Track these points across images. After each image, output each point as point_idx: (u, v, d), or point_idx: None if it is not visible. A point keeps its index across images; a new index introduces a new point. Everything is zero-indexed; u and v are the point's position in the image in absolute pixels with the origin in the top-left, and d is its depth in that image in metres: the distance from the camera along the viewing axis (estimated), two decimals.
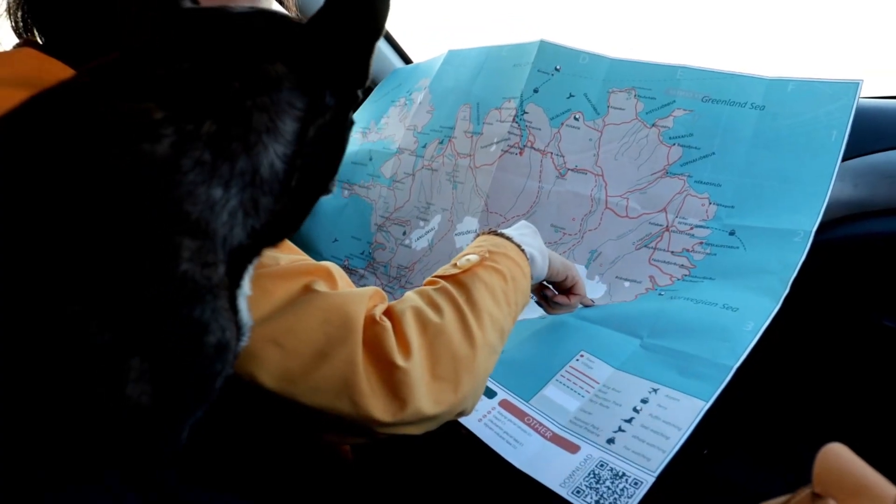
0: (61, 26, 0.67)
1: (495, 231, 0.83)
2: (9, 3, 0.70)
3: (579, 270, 1.04)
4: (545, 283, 0.91)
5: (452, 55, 1.32)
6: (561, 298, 0.92)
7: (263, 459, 0.72)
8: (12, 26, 0.71)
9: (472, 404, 0.70)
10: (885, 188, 0.95)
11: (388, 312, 0.66)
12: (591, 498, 0.69)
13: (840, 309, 1.00)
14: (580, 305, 0.96)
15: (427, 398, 0.64)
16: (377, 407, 0.62)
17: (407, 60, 1.57)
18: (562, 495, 0.70)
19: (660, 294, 0.95)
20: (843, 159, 0.92)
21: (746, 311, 0.84)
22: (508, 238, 0.80)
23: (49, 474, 0.40)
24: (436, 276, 0.75)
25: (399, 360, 0.63)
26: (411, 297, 0.70)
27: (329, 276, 0.64)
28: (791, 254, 0.87)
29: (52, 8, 0.67)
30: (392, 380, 0.62)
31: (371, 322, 0.64)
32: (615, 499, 0.69)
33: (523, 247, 0.80)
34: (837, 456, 0.24)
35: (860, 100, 0.94)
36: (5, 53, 0.67)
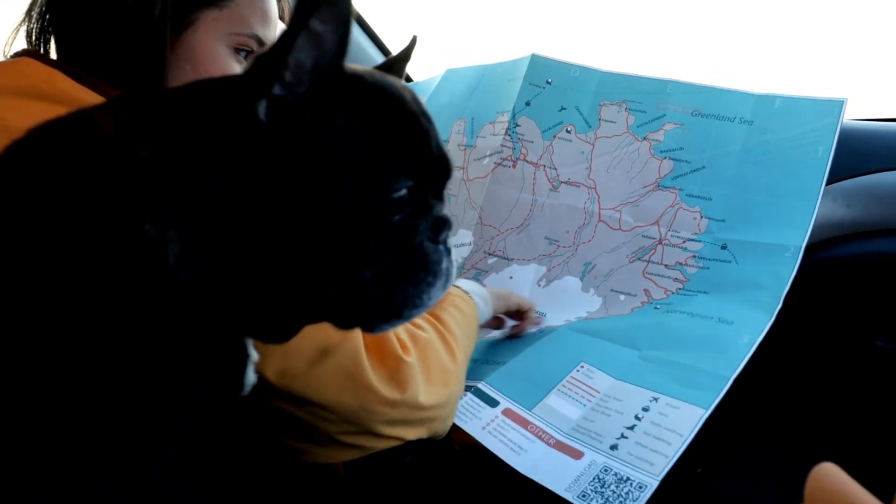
0: (80, 41, 0.68)
1: None
2: (29, 12, 0.72)
3: (573, 283, 1.05)
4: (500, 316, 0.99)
5: (450, 73, 1.33)
6: (515, 328, 1.00)
7: (254, 473, 0.72)
8: (27, 34, 0.72)
9: (452, 415, 0.77)
10: (877, 209, 0.97)
11: None
12: (597, 501, 0.71)
13: (832, 328, 1.01)
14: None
15: (424, 392, 0.69)
16: (383, 389, 0.65)
17: (407, 79, 1.58)
18: (568, 499, 0.71)
19: (655, 308, 0.96)
20: (836, 180, 0.94)
21: (741, 324, 0.86)
22: (456, 286, 0.88)
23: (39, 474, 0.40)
24: None
25: (403, 355, 0.67)
26: None
27: None
28: (783, 268, 0.89)
29: (73, 23, 0.69)
30: (399, 373, 0.67)
31: None
32: (621, 502, 0.70)
33: (471, 294, 0.88)
34: (829, 475, 0.25)
35: (852, 122, 0.96)
36: (8, 63, 0.68)
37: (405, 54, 0.58)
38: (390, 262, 0.46)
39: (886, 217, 0.95)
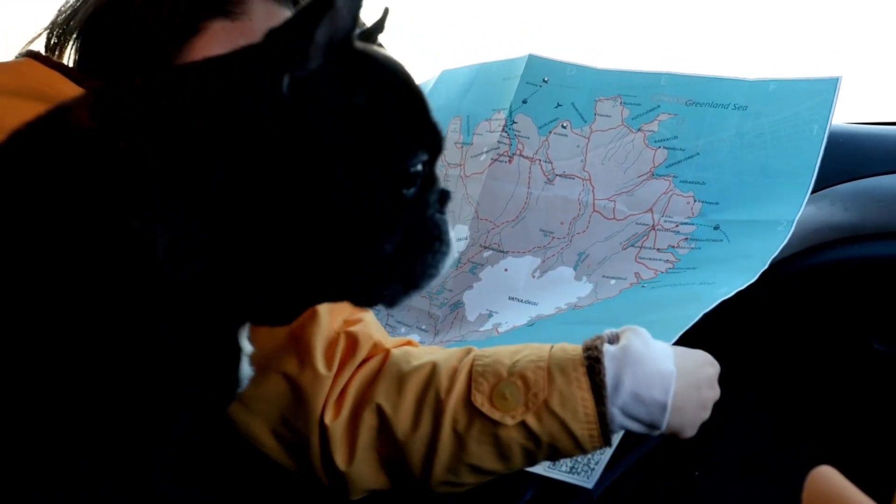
0: (93, 45, 0.70)
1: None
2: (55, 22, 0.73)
3: (567, 273, 1.05)
4: None
5: (445, 75, 1.33)
6: None
7: (254, 473, 0.73)
8: (47, 42, 0.74)
9: None
10: (875, 212, 0.97)
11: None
12: (566, 465, 0.76)
13: (830, 331, 1.01)
14: None
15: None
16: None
17: None
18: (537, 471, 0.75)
19: (642, 286, 0.97)
20: (834, 184, 0.94)
21: (721, 283, 0.85)
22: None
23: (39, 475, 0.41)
24: (475, 372, 0.66)
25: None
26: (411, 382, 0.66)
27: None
28: (773, 240, 0.89)
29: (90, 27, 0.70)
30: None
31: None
32: (587, 461, 0.76)
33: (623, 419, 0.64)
34: (827, 479, 0.25)
35: (850, 125, 0.95)
36: (10, 64, 0.69)
37: (378, 25, 0.58)
38: (407, 235, 0.47)
39: (884, 220, 0.96)
